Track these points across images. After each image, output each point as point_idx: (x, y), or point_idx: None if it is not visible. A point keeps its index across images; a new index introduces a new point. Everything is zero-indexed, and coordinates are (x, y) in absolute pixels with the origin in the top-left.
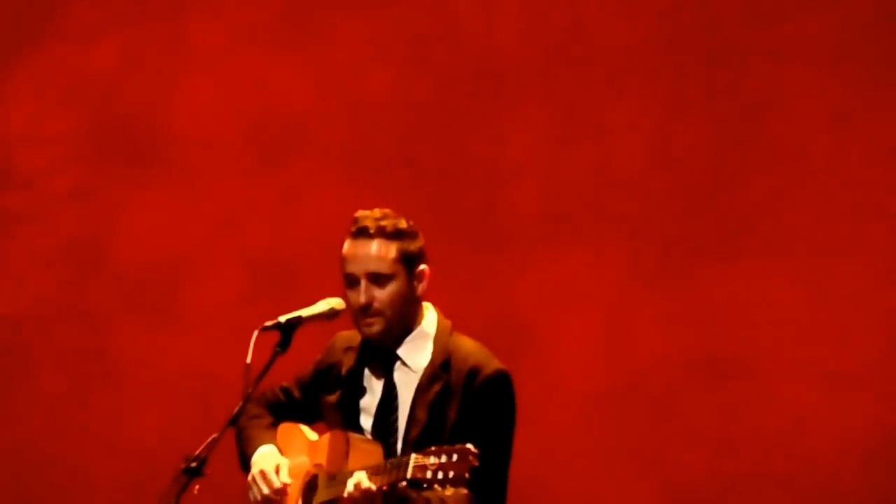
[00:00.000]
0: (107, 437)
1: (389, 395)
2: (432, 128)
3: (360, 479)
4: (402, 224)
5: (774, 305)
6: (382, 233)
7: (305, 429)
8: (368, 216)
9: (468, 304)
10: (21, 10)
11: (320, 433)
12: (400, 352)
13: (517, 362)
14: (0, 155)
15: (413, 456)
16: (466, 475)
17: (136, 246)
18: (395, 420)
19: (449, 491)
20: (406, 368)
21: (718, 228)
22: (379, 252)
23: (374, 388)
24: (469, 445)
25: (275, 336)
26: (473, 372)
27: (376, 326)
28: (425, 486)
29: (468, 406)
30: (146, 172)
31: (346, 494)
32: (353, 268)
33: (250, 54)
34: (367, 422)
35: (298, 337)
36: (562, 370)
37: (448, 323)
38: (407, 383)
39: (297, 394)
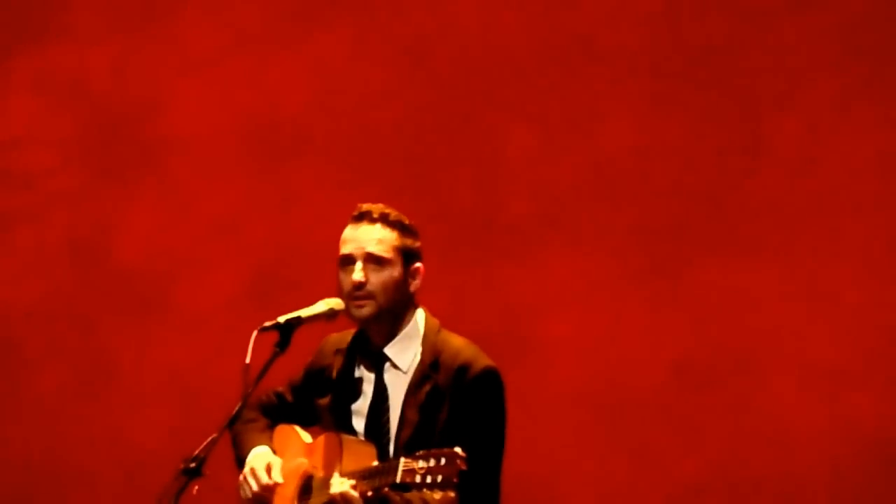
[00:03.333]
0: (104, 437)
1: (380, 396)
2: (428, 130)
3: (343, 485)
4: (405, 220)
5: (770, 305)
6: (385, 220)
7: (301, 431)
8: (371, 205)
9: (462, 305)
10: (20, 11)
11: (315, 435)
12: (388, 352)
13: (511, 363)
14: None
15: (402, 460)
16: (454, 479)
17: (135, 246)
18: (387, 421)
19: (437, 495)
20: (396, 370)
21: (713, 229)
22: (379, 235)
23: (365, 389)
24: (457, 449)
25: (274, 336)
26: (462, 370)
27: (367, 308)
28: (414, 489)
29: (458, 405)
30: (144, 173)
31: (332, 493)
32: (350, 248)
33: (248, 55)
34: (359, 424)
35: (297, 337)
36: (556, 370)
37: (436, 321)
38: (397, 384)
39: (289, 397)
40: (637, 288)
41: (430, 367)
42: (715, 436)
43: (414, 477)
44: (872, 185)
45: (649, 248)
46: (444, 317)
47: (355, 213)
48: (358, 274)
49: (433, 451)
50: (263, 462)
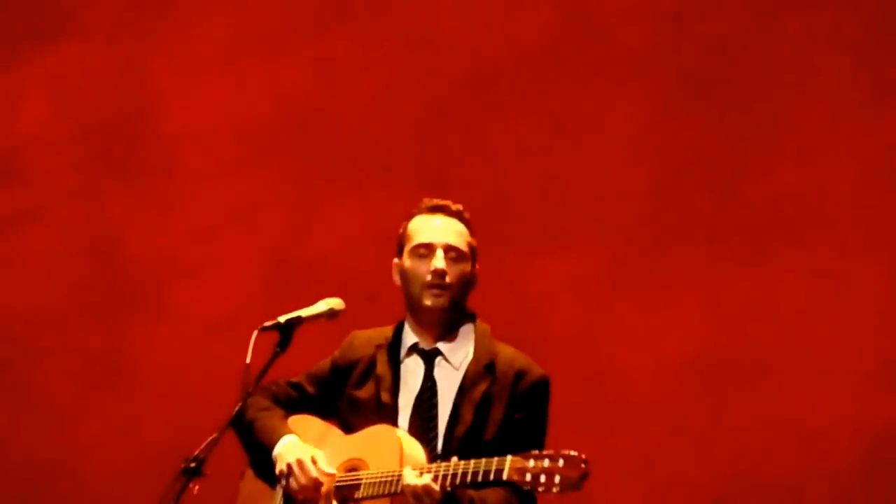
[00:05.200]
0: (113, 436)
1: (429, 391)
2: (435, 128)
3: (424, 478)
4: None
5: (788, 304)
6: (461, 216)
7: (331, 425)
8: (443, 200)
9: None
10: (29, 12)
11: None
12: (442, 347)
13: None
14: (8, 155)
15: (510, 458)
16: (577, 482)
17: (144, 246)
18: (435, 416)
19: (551, 493)
20: (448, 365)
21: (730, 226)
22: (459, 230)
23: (409, 383)
24: (576, 453)
25: (275, 336)
26: (520, 375)
27: (444, 298)
28: (526, 488)
29: (514, 408)
30: (155, 173)
31: (407, 485)
32: (430, 237)
33: (260, 52)
34: (403, 419)
35: (297, 337)
36: (567, 367)
37: (487, 326)
38: (448, 381)
39: (310, 389)
40: (652, 285)
41: (486, 369)
42: (732, 436)
43: (524, 476)
44: (892, 182)
45: (664, 246)
46: None
47: (428, 204)
48: (441, 262)
49: (545, 452)
50: (307, 453)
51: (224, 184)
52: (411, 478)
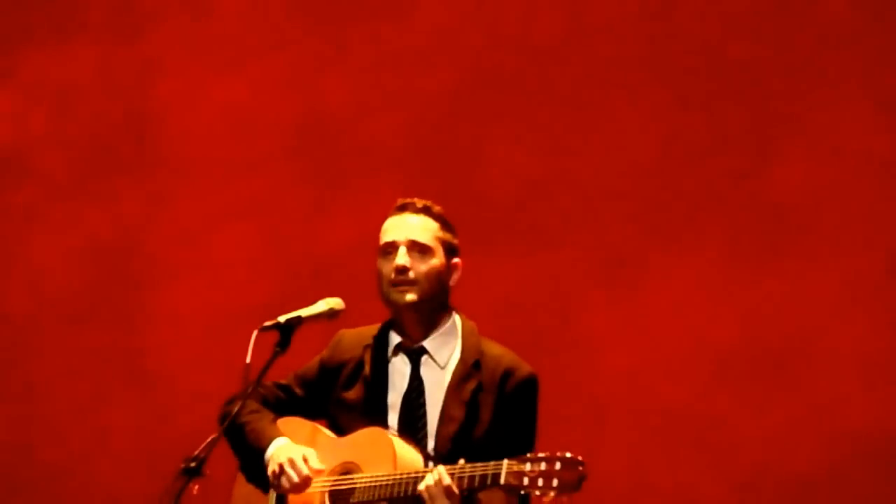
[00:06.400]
0: (115, 436)
1: (416, 390)
2: (438, 128)
3: (444, 475)
4: (445, 215)
5: (798, 304)
6: (428, 211)
7: (320, 426)
8: (413, 199)
9: (478, 300)
10: (42, 9)
11: (326, 429)
12: (427, 345)
13: (537, 359)
14: (20, 154)
15: (506, 462)
16: (577, 483)
17: (147, 246)
18: (423, 415)
19: (549, 496)
20: (434, 364)
21: (734, 228)
22: (423, 225)
23: (396, 383)
24: (572, 455)
25: (275, 336)
26: (508, 374)
27: (411, 294)
28: (522, 492)
29: (503, 407)
30: (159, 172)
31: (423, 489)
32: (393, 236)
33: (266, 53)
34: (392, 418)
35: (297, 337)
36: (581, 370)
37: (473, 324)
38: (435, 379)
39: (299, 391)
40: (657, 285)
41: (473, 367)
42: (738, 436)
43: (521, 479)
44: None
45: (670, 246)
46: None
47: (397, 204)
48: (402, 258)
49: (542, 455)
50: (299, 452)
51: (228, 183)
52: (430, 478)
